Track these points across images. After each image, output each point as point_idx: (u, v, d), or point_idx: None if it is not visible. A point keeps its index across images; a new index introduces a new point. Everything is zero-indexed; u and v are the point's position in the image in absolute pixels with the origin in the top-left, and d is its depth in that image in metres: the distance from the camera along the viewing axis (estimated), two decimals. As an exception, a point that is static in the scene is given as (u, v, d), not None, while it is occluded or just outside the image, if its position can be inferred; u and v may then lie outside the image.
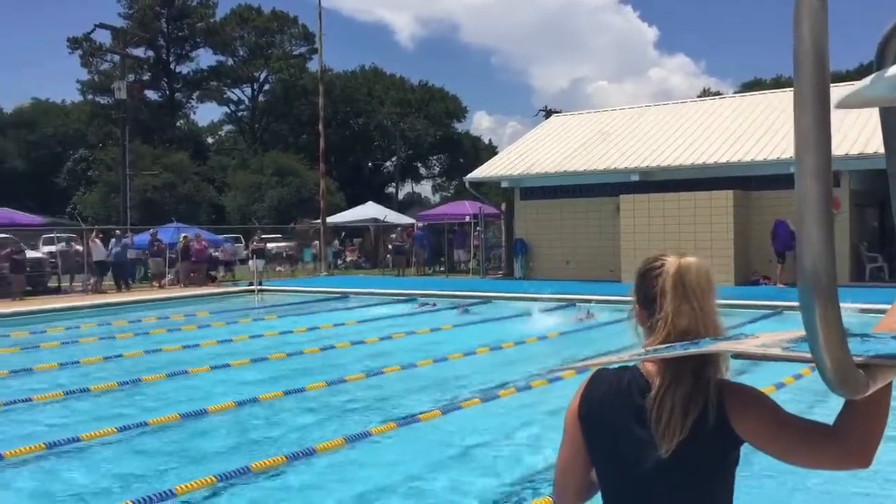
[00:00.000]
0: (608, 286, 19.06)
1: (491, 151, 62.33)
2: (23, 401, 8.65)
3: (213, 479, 5.73)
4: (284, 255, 33.89)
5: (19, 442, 6.93)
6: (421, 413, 7.78)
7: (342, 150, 62.35)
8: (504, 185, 26.65)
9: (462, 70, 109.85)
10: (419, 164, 76.11)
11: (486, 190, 31.03)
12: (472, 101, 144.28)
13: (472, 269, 28.87)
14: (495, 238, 29.99)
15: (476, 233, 29.16)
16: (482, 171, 27.12)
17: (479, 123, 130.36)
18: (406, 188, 76.65)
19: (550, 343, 12.83)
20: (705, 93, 63.65)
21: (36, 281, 23.49)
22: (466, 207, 32.35)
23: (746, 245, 21.16)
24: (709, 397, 1.76)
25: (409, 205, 62.83)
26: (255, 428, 7.68)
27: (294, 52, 67.84)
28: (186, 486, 5.55)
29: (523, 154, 26.62)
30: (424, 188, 79.39)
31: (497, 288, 21.16)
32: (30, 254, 23.57)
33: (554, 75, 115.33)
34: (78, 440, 6.90)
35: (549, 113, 43.54)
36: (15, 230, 25.56)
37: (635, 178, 22.86)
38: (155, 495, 5.34)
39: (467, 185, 27.99)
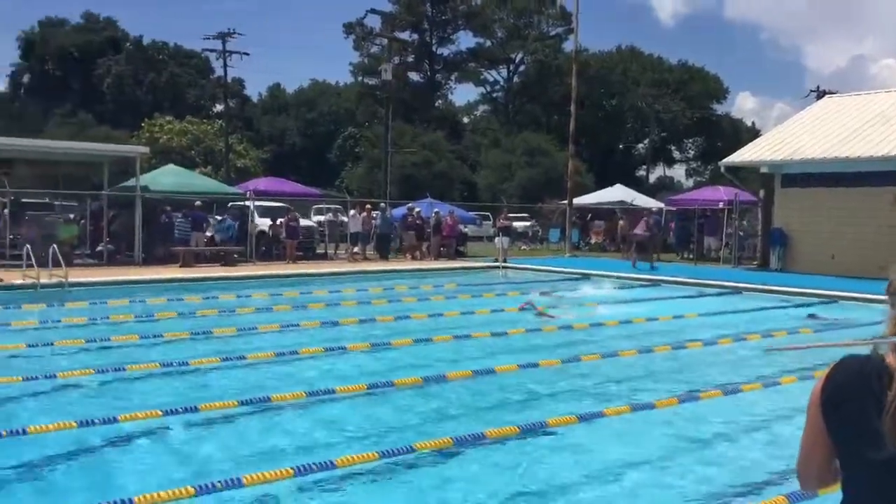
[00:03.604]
0: (873, 284, 17.36)
1: (754, 135, 58.64)
2: (290, 353, 9.64)
3: (450, 440, 6.04)
4: (529, 233, 34.38)
5: (285, 388, 7.77)
6: (657, 400, 7.64)
7: (594, 132, 61.81)
8: (764, 170, 25.00)
9: (726, 48, 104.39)
10: (673, 147, 73.54)
11: (744, 175, 29.30)
12: (736, 82, 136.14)
13: (722, 257, 27.50)
14: (751, 226, 28.29)
15: (730, 220, 27.69)
16: (740, 155, 25.64)
17: (743, 105, 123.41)
18: (658, 172, 74.49)
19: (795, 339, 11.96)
20: None
21: (306, 246, 25.89)
22: (721, 193, 30.76)
23: None
24: None
25: (660, 189, 60.96)
26: (489, 397, 7.98)
27: (550, 33, 68.17)
28: (425, 444, 5.90)
29: (788, 138, 24.79)
30: (677, 172, 76.67)
31: (749, 279, 19.97)
32: (303, 222, 26.00)
33: (831, 53, 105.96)
34: (333, 392, 7.58)
35: (821, 94, 40.10)
36: (291, 200, 28.28)
37: (919, 165, 20.46)
38: (397, 449, 5.74)
39: (723, 169, 26.62)
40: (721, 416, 7.40)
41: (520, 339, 11.36)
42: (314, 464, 5.26)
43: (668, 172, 76.12)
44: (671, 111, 65.15)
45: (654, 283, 19.58)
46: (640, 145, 71.87)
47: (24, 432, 5.90)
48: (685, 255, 29.97)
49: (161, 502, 4.59)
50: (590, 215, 37.54)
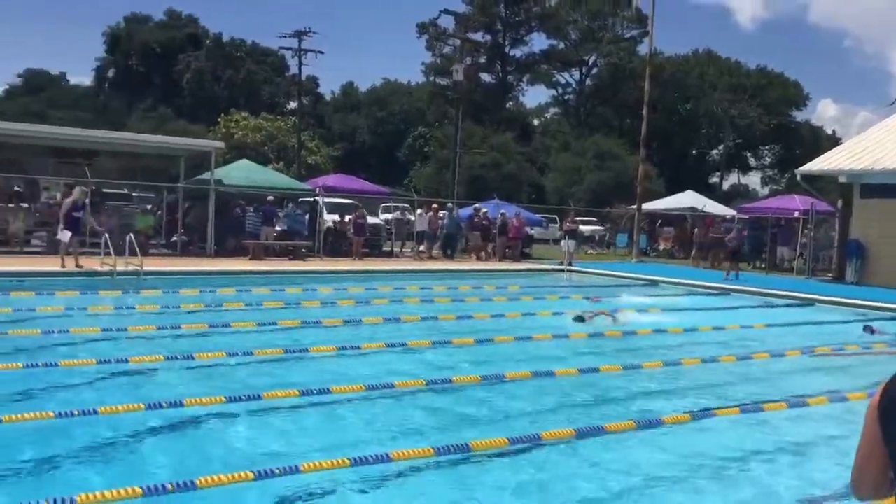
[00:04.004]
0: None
1: (834, 143, 56.79)
2: (352, 347, 9.79)
3: (506, 441, 6.05)
4: (596, 237, 34.03)
5: (345, 382, 7.89)
6: (716, 408, 7.52)
7: (667, 136, 60.82)
8: (842, 180, 24.25)
9: (808, 54, 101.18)
10: (748, 154, 71.76)
11: (821, 185, 28.47)
12: (817, 88, 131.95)
13: (796, 268, 26.75)
14: (826, 237, 27.47)
15: (805, 230, 26.91)
16: (818, 164, 24.91)
17: (824, 112, 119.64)
18: (732, 179, 72.82)
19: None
20: None
21: (373, 244, 26.18)
22: (796, 202, 29.93)
23: None
24: None
25: (734, 196, 59.60)
26: (547, 399, 7.96)
27: (625, 36, 67.30)
28: (481, 443, 5.92)
29: (870, 147, 23.96)
30: (752, 179, 74.83)
31: (823, 291, 19.37)
32: (370, 219, 26.30)
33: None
34: (392, 386, 7.68)
35: (906, 102, 38.62)
36: (360, 197, 28.64)
37: None
38: (452, 447, 5.79)
39: (798, 177, 25.90)
40: (784, 428, 7.23)
41: (581, 344, 11.28)
42: (370, 456, 5.36)
43: (743, 180, 74.42)
44: (748, 117, 63.61)
45: (724, 292, 19.18)
46: (715, 151, 70.36)
47: (96, 412, 6.15)
48: (757, 265, 29.24)
49: (222, 485, 4.73)
50: (659, 221, 36.97)
